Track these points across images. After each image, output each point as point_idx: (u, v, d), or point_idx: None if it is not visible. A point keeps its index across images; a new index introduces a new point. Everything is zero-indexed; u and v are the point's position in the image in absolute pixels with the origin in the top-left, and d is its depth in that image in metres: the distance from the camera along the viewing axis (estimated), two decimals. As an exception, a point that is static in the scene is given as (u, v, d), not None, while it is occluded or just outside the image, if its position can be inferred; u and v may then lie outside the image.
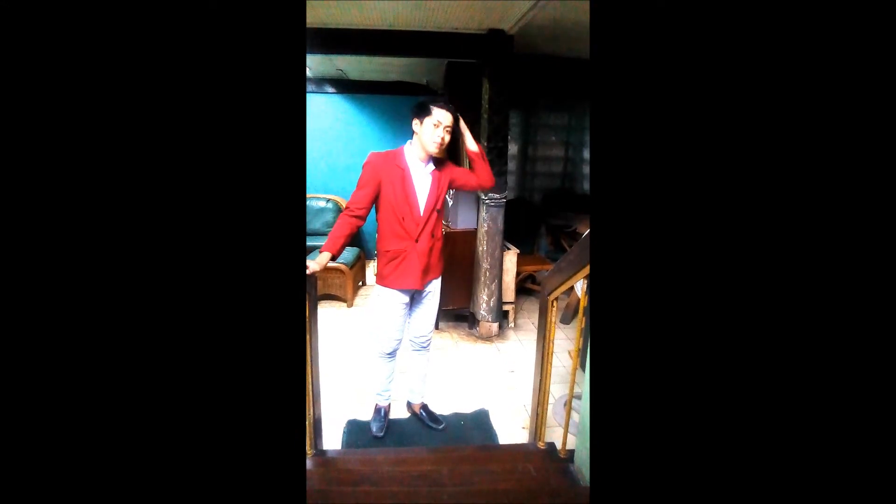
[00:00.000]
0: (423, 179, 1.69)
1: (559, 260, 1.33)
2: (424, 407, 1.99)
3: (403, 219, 1.67)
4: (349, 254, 3.31)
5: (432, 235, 1.74)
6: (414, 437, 1.88)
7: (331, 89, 3.93)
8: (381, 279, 1.75)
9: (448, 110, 1.62)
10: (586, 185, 3.76)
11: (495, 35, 2.37)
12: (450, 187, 1.79)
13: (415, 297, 1.82)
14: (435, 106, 1.61)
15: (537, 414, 1.54)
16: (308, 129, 3.85)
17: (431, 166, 1.70)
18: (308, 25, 2.37)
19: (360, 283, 3.52)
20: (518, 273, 2.87)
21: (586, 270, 1.13)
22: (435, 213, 1.73)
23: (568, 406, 1.34)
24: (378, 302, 1.79)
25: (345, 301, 3.18)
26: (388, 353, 1.85)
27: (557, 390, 2.08)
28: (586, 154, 3.73)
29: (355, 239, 4.06)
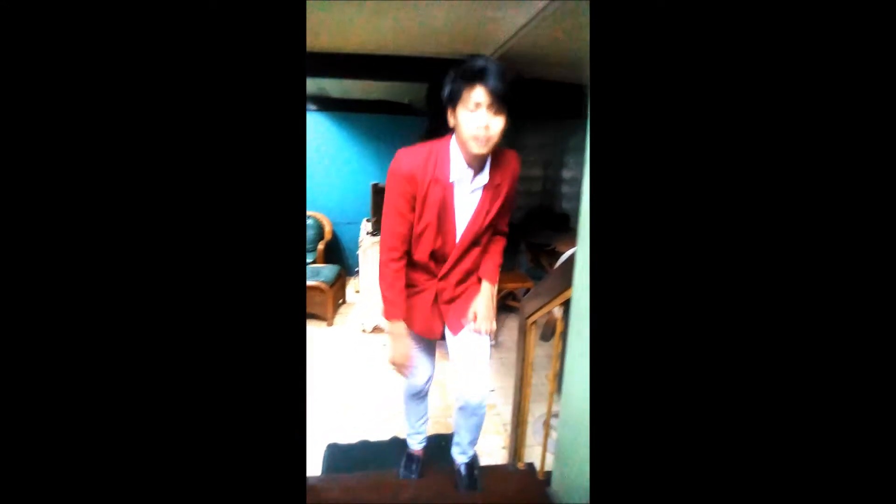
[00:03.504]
0: (469, 192, 1.14)
1: (538, 283, 1.36)
2: (469, 466, 1.46)
3: (432, 252, 1.18)
4: (329, 271, 3.30)
5: (465, 274, 1.23)
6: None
7: (312, 107, 3.95)
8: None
9: (488, 85, 0.98)
10: (565, 204, 3.85)
11: (476, 60, 2.43)
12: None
13: (451, 340, 1.31)
14: (467, 79, 0.99)
15: (516, 434, 1.56)
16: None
17: (483, 176, 1.12)
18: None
19: (341, 302, 3.50)
20: (499, 290, 2.90)
21: (566, 295, 1.16)
22: (478, 239, 1.20)
23: (545, 428, 1.36)
24: (396, 340, 1.30)
25: (325, 320, 3.15)
26: (414, 395, 1.43)
27: (537, 408, 2.10)
28: (565, 174, 3.82)
29: (334, 254, 4.06)
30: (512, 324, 3.26)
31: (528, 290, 3.08)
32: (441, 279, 1.22)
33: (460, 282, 1.25)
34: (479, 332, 1.26)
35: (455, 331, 1.27)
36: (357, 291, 3.44)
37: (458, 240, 1.17)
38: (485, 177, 1.13)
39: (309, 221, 3.89)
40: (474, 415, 1.35)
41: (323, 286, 3.11)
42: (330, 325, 3.13)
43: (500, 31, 2.06)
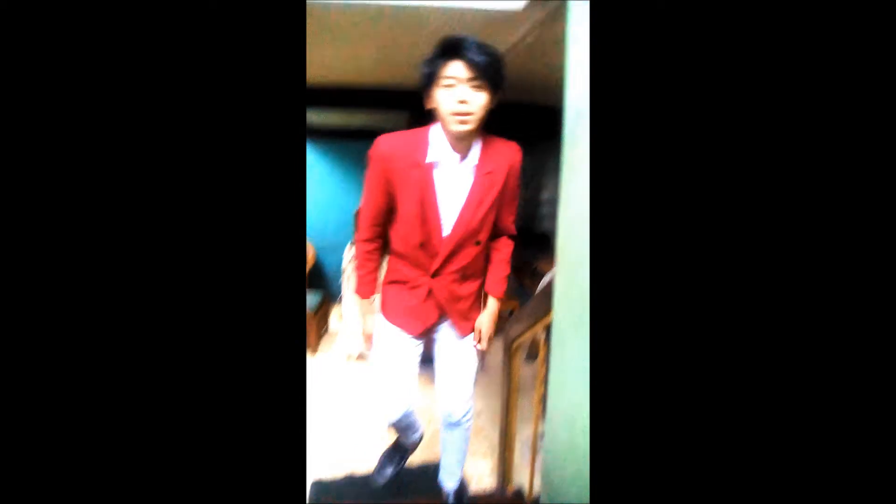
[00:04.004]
0: (456, 180, 1.07)
1: (521, 307, 1.38)
2: (457, 493, 1.41)
3: (421, 244, 1.11)
4: (312, 298, 3.27)
5: (462, 273, 1.14)
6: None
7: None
8: (383, 307, 1.22)
9: (466, 58, 0.94)
10: (545, 224, 3.91)
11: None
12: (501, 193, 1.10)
13: (439, 349, 1.27)
14: (444, 54, 0.96)
15: (504, 458, 1.55)
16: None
17: (474, 155, 1.06)
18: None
19: (324, 330, 3.46)
20: (483, 313, 2.91)
21: (547, 319, 1.19)
22: (473, 235, 1.10)
23: (532, 452, 1.36)
24: (378, 343, 1.23)
25: (308, 348, 3.11)
26: (395, 422, 1.26)
27: (525, 429, 2.09)
28: (544, 195, 3.90)
29: (317, 280, 4.02)
30: (497, 345, 3.26)
31: (512, 310, 3.10)
32: (434, 275, 1.12)
33: (460, 281, 1.14)
34: (479, 348, 1.25)
35: (441, 338, 1.23)
36: (340, 318, 3.41)
37: (448, 232, 1.08)
38: (472, 161, 1.06)
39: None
40: (459, 427, 1.31)
41: (306, 313, 3.07)
42: (314, 353, 3.09)
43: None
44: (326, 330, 3.51)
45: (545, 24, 1.51)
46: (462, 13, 1.48)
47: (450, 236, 1.09)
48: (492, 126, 1.06)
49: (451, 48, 0.96)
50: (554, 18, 1.46)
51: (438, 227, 1.09)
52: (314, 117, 3.61)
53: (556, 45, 0.97)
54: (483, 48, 0.96)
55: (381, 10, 1.50)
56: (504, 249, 1.25)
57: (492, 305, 1.25)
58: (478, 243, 1.13)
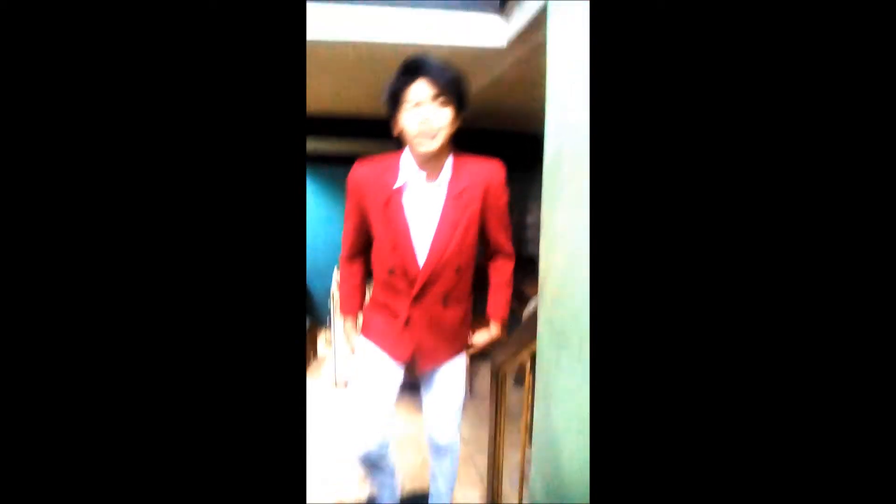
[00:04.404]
0: (426, 203, 1.05)
1: (510, 335, 1.40)
2: None
3: (394, 270, 1.07)
4: (300, 323, 3.24)
5: (444, 300, 1.09)
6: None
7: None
8: (364, 326, 1.18)
9: (429, 75, 0.96)
10: (530, 248, 3.97)
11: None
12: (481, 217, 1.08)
13: (424, 376, 1.22)
14: (406, 74, 0.97)
15: (493, 486, 1.55)
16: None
17: (445, 177, 1.04)
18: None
19: (312, 355, 3.43)
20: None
21: (532, 347, 1.21)
22: (452, 262, 1.06)
23: (521, 481, 1.36)
24: (359, 366, 1.17)
25: (295, 374, 3.07)
26: (363, 457, 1.17)
27: (514, 456, 2.08)
28: (529, 219, 3.97)
29: (305, 304, 4.00)
30: (485, 371, 3.25)
31: (500, 335, 3.11)
32: (414, 301, 1.07)
33: (443, 306, 1.09)
34: (470, 343, 1.23)
35: (425, 365, 1.15)
36: (328, 344, 3.38)
37: (423, 258, 1.05)
38: (443, 182, 1.03)
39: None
40: (447, 455, 1.28)
41: (293, 339, 3.04)
42: (300, 379, 3.05)
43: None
44: (315, 356, 3.48)
45: (527, 59, 1.59)
46: (449, 50, 1.55)
47: (426, 262, 1.06)
48: (463, 100, 1.04)
49: (413, 68, 0.98)
50: (536, 54, 1.53)
51: (412, 253, 1.06)
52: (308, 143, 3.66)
53: (537, 78, 1.02)
54: (444, 66, 0.98)
55: (371, 49, 1.57)
56: (503, 270, 1.22)
57: (493, 330, 1.25)
58: (458, 270, 1.09)
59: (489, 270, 1.24)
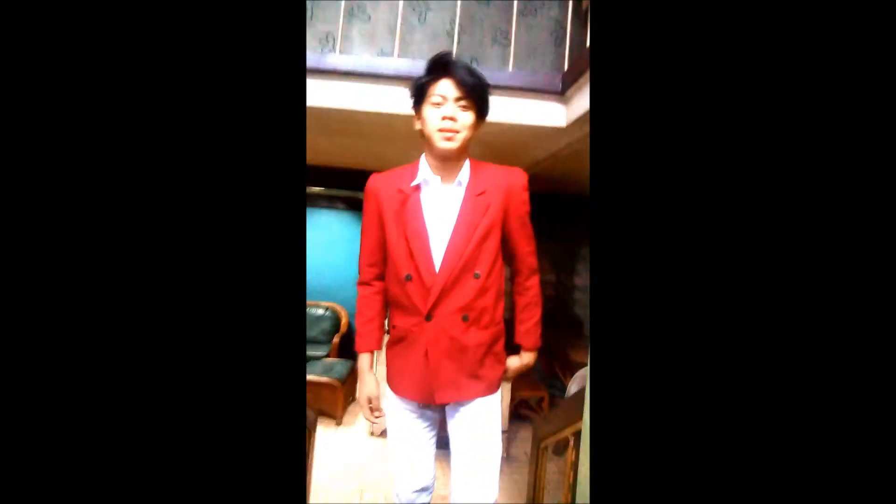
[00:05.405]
0: (444, 202, 1.02)
1: (553, 409, 1.39)
2: None
3: (409, 278, 1.02)
4: (342, 367, 3.31)
5: (464, 314, 1.01)
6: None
7: (341, 206, 4.24)
8: (388, 377, 1.11)
9: (455, 76, 0.96)
10: (577, 310, 3.91)
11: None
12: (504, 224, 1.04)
13: (453, 427, 1.09)
14: (433, 72, 0.99)
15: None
16: (315, 241, 4.07)
17: (464, 177, 1.02)
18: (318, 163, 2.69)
19: (351, 399, 3.47)
20: (512, 398, 2.87)
21: (577, 426, 1.20)
22: (470, 265, 1.00)
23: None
24: (389, 419, 1.12)
25: (334, 418, 3.11)
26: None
27: (549, 536, 1.98)
28: (576, 280, 3.93)
29: (350, 348, 4.07)
30: (525, 434, 3.16)
31: (541, 399, 3.04)
32: (428, 318, 1.00)
33: (464, 326, 1.00)
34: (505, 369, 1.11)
35: (444, 396, 1.02)
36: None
37: (440, 263, 0.99)
38: (462, 181, 1.02)
39: (325, 313, 3.98)
40: None
41: (335, 383, 3.11)
42: (339, 424, 3.08)
43: (523, 158, 2.31)
44: (353, 399, 3.51)
45: (584, 138, 1.66)
46: (511, 127, 1.65)
47: (442, 267, 0.99)
48: (487, 106, 1.05)
49: (441, 66, 0.99)
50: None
51: (428, 256, 1.00)
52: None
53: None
54: (472, 70, 0.99)
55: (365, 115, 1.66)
56: (529, 288, 1.14)
57: (525, 357, 1.15)
58: (476, 276, 1.00)
59: (514, 290, 1.17)
